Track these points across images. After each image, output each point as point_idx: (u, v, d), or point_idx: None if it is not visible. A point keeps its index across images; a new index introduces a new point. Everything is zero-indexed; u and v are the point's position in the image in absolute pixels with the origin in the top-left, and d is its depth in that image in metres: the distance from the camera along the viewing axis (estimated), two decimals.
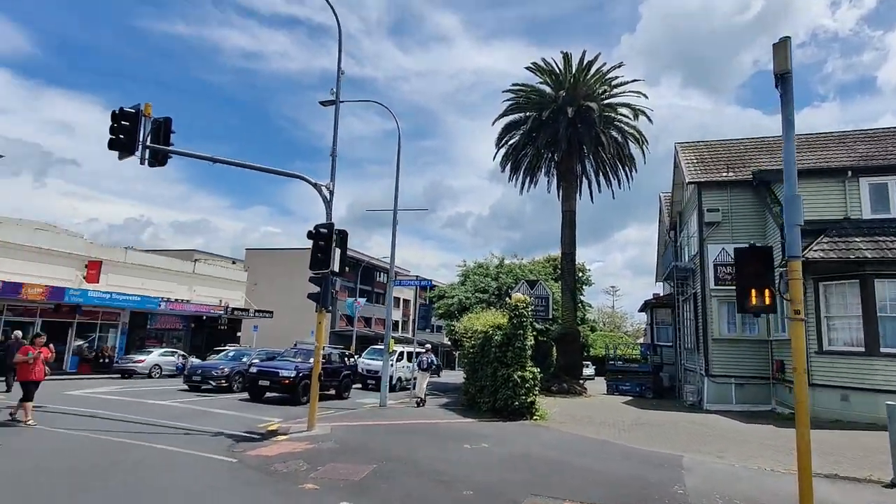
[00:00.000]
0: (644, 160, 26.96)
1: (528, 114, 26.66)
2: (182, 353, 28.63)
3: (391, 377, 23.97)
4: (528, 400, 13.29)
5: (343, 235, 12.52)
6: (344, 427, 12.15)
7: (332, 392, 19.34)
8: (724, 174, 19.37)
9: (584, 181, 28.80)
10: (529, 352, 13.93)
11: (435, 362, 21.63)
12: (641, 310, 31.49)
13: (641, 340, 42.06)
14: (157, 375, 25.48)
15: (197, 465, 8.31)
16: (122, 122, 11.39)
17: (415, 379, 26.84)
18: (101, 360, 27.48)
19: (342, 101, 16.26)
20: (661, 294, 30.61)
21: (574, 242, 26.94)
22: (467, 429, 12.08)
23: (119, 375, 25.05)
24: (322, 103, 16.60)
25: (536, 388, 13.67)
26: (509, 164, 28.38)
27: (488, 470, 8.18)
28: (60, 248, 26.80)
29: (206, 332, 35.52)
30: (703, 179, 19.36)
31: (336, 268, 12.08)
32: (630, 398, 22.85)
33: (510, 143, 28.03)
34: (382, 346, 27.14)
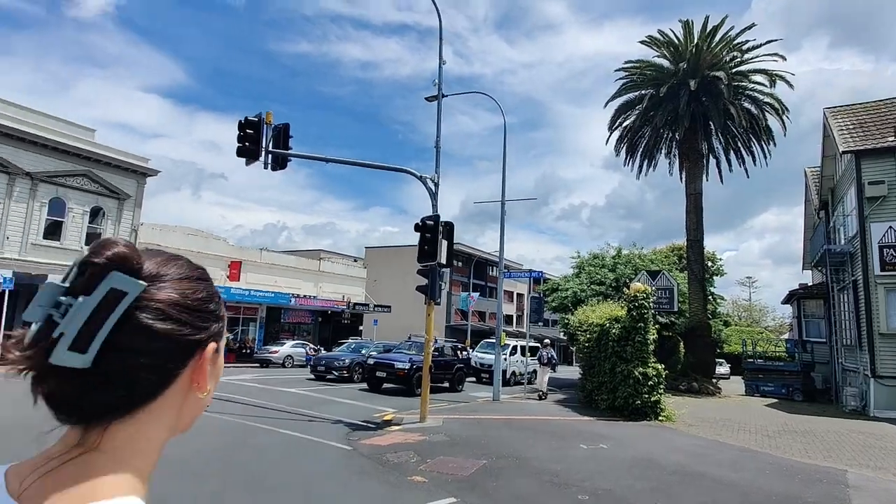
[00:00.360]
0: (784, 132, 23.76)
1: (643, 92, 24.76)
2: (311, 345, 30.76)
3: (504, 371, 23.70)
4: (652, 399, 12.22)
5: (449, 227, 12.41)
6: (456, 420, 12.07)
7: (446, 385, 19.49)
8: (890, 139, 16.34)
9: (711, 160, 26.20)
10: (652, 347, 12.81)
11: (555, 357, 21.13)
12: (786, 301, 27.89)
13: (786, 336, 37.37)
14: (290, 365, 27.60)
15: (315, 452, 8.65)
16: (248, 131, 12.25)
17: (530, 374, 26.37)
18: (244, 351, 30.48)
19: (446, 95, 16.25)
20: (811, 283, 26.88)
21: (701, 228, 24.58)
22: (583, 428, 11.38)
23: (258, 364, 27.53)
24: (427, 99, 16.66)
25: (661, 387, 12.53)
26: (624, 147, 26.63)
27: (606, 474, 7.52)
28: (208, 250, 30.07)
29: (332, 325, 37.92)
30: (862, 147, 16.52)
31: (443, 259, 12.01)
32: (774, 400, 20.30)
33: (624, 124, 26.27)
34: (493, 340, 27.03)
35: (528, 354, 26.16)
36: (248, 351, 30.25)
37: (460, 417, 12.53)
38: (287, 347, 28.55)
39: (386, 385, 17.76)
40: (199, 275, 0.69)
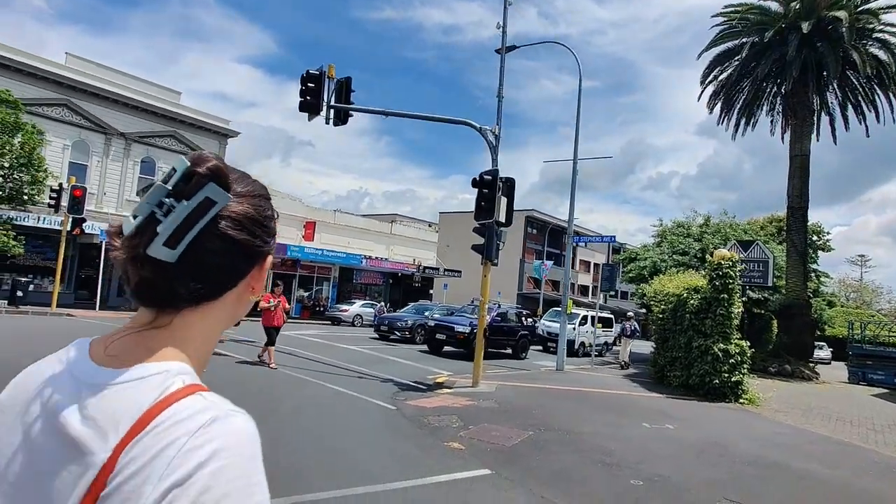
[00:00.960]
0: None
1: (745, 39, 21.90)
2: (381, 304, 31.22)
3: (572, 342, 22.70)
4: (733, 378, 10.88)
5: (510, 183, 11.55)
6: (510, 387, 11.47)
7: (509, 351, 18.89)
8: None
9: (823, 117, 22.95)
10: (736, 321, 11.39)
11: (638, 330, 20.20)
12: None
13: None
14: (359, 324, 28.17)
15: (357, 408, 8.40)
16: (309, 85, 11.99)
17: (600, 346, 25.14)
18: (318, 308, 31.53)
19: (516, 47, 15.12)
20: None
21: (806, 194, 21.76)
22: (650, 405, 10.36)
23: (329, 322, 28.36)
24: (497, 51, 15.61)
25: (745, 366, 11.13)
26: (720, 103, 23.95)
27: (667, 458, 6.62)
28: (285, 210, 31.02)
29: (402, 288, 38.32)
30: None
31: (502, 217, 11.22)
32: (884, 391, 17.87)
33: (720, 77, 23.52)
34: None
35: (600, 325, 24.98)
36: (322, 309, 31.24)
37: (516, 385, 11.91)
38: (357, 307, 29.11)
39: (446, 348, 17.46)
40: (267, 194, 0.77)
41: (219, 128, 27.47)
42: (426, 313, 20.69)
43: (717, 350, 10.92)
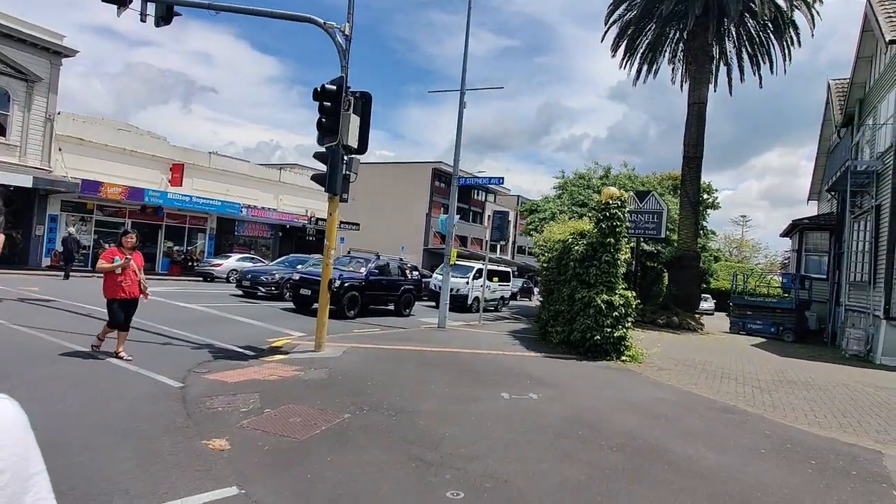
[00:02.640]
0: (812, 29, 19.83)
1: None
2: (260, 258, 28.03)
3: (465, 296, 21.22)
4: (615, 334, 9.57)
5: (365, 98, 9.21)
6: (362, 351, 9.45)
7: (391, 308, 16.97)
8: None
9: (722, 68, 22.46)
10: (622, 269, 10.03)
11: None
12: (786, 234, 25.17)
13: (779, 273, 35.02)
14: (234, 279, 25.00)
15: (122, 388, 5.98)
16: None
17: (496, 301, 23.96)
18: (190, 263, 27.75)
19: None
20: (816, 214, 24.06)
21: (701, 144, 21.28)
22: (521, 367, 8.76)
23: (200, 278, 24.93)
24: None
25: (629, 320, 9.86)
26: (623, 45, 22.69)
27: (514, 447, 4.87)
28: (145, 150, 26.53)
29: (294, 241, 35.11)
30: None
31: (352, 141, 8.89)
32: (762, 340, 18.01)
33: (624, 17, 22.17)
34: (459, 262, 24.34)
35: (496, 279, 23.70)
36: (195, 264, 27.54)
37: (371, 347, 9.90)
38: (232, 261, 25.79)
39: (316, 305, 15.13)
40: None
41: (48, 42, 22.27)
42: (299, 266, 18.10)
43: (599, 302, 9.51)
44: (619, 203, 9.73)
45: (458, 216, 45.72)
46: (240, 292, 17.96)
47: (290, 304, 15.81)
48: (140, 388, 6.08)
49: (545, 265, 12.37)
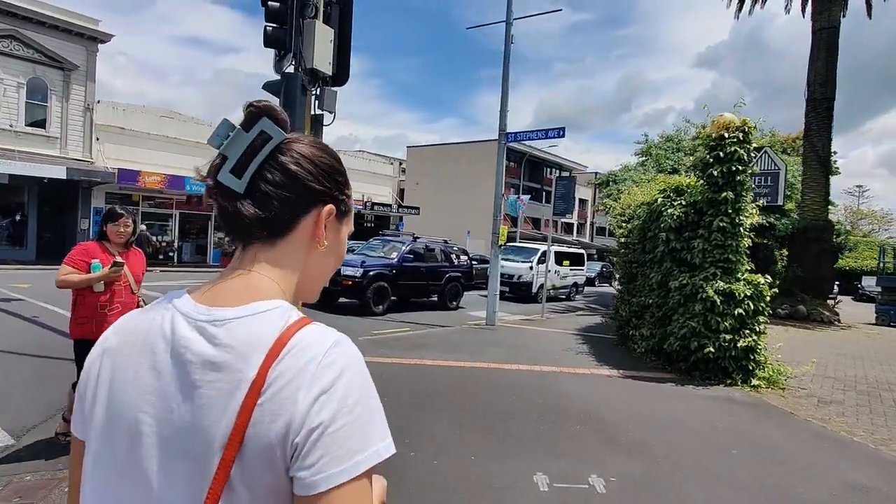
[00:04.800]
0: None
1: None
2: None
3: (530, 283, 17.94)
4: (740, 343, 5.99)
5: (342, 3, 6.29)
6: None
7: (434, 299, 14.15)
8: None
9: None
10: (747, 241, 6.41)
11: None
12: None
13: None
14: None
15: None
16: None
17: (568, 287, 20.42)
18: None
19: None
20: None
21: (833, 80, 16.44)
22: (584, 401, 5.47)
23: None
24: None
25: (761, 319, 6.24)
26: None
27: None
28: (188, 136, 25.42)
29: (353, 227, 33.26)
30: None
31: (320, 64, 6.00)
32: None
33: None
34: (520, 244, 21.02)
35: (567, 262, 20.17)
36: None
37: (372, 360, 7.00)
38: None
39: (343, 299, 12.60)
40: (330, 151, 0.81)
41: (83, 29, 21.37)
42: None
43: (711, 293, 6.00)
44: (740, 136, 6.13)
45: (530, 196, 42.11)
46: None
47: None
48: None
49: (624, 240, 8.91)
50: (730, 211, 6.16)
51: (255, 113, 0.73)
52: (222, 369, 0.66)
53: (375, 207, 32.49)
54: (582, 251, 21.66)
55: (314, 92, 6.24)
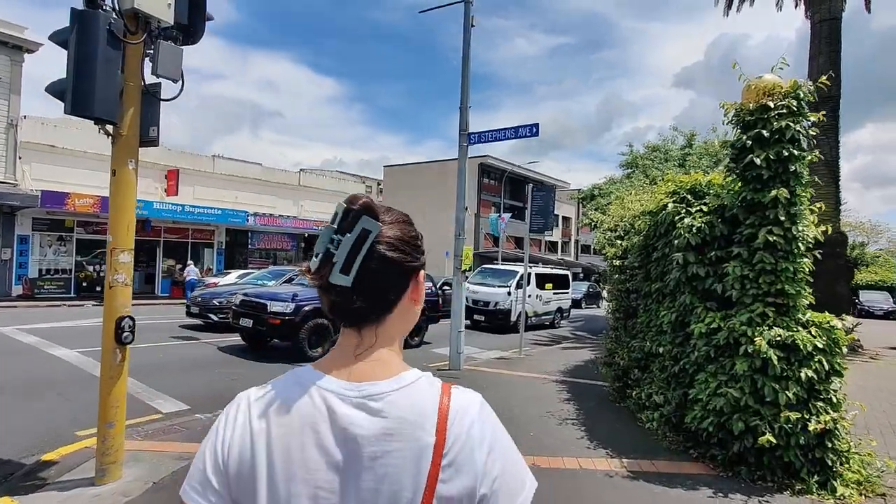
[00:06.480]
0: None
1: None
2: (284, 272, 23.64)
3: (507, 312, 15.76)
4: (814, 426, 3.82)
5: None
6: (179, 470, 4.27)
7: None
8: None
9: None
10: (806, 262, 4.29)
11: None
12: None
13: None
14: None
15: None
16: None
17: (552, 314, 18.23)
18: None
19: None
20: None
21: (838, 76, 14.75)
22: None
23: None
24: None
25: (838, 386, 4.05)
26: None
27: None
28: (141, 158, 23.02)
29: None
30: None
31: (140, 2, 3.83)
32: None
33: None
34: (497, 266, 18.88)
35: (550, 286, 18.01)
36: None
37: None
38: (232, 278, 21.63)
39: (276, 340, 10.24)
40: (408, 219, 0.90)
41: (5, 37, 19.09)
42: (270, 283, 13.32)
43: (763, 345, 3.85)
44: (793, 105, 4.07)
45: (511, 214, 40.10)
46: (196, 321, 13.37)
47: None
48: None
49: (618, 262, 6.76)
50: (782, 218, 4.05)
51: (357, 213, 0.80)
52: (401, 438, 0.76)
53: None
54: (567, 272, 19.55)
55: (149, 50, 4.07)
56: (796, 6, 16.68)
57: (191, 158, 25.71)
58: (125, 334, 4.02)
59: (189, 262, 21.98)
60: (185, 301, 16.50)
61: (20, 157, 19.45)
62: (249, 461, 0.76)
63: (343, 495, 0.74)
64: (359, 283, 0.77)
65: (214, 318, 12.24)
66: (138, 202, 15.86)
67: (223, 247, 26.69)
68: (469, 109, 9.43)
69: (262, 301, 9.58)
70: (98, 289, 21.45)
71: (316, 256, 0.80)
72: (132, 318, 4.08)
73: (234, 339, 11.09)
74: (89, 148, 21.44)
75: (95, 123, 3.89)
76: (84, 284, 21.23)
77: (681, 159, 20.54)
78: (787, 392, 3.84)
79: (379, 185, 56.86)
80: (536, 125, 8.55)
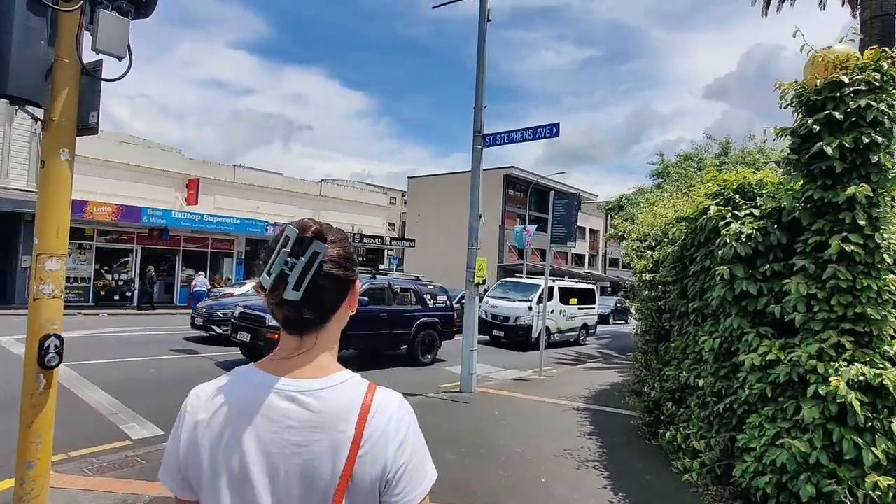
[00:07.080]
0: None
1: None
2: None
3: (528, 328, 14.87)
4: None
5: None
6: None
7: (404, 350, 11.15)
8: None
9: None
10: (891, 276, 3.39)
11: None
12: None
13: None
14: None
15: None
16: None
17: (578, 330, 17.23)
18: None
19: None
20: None
21: None
22: None
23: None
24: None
25: None
26: None
27: None
28: (156, 164, 23.09)
29: None
30: None
31: None
32: None
33: None
34: (519, 279, 17.98)
35: (574, 300, 17.02)
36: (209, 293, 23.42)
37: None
38: (248, 288, 21.27)
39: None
40: (346, 237, 1.03)
41: None
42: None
43: (842, 387, 2.97)
44: (875, 80, 3.20)
45: (536, 226, 39.09)
46: (204, 332, 12.88)
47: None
48: None
49: (648, 277, 5.89)
50: (861, 222, 3.17)
51: (309, 240, 0.92)
52: (325, 430, 0.89)
53: (365, 240, 29.75)
54: (592, 286, 18.52)
55: (84, 22, 3.46)
56: (843, 4, 15.51)
57: (212, 168, 25.66)
58: (49, 356, 3.36)
59: (199, 272, 21.66)
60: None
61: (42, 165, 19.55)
62: (195, 447, 0.92)
63: (272, 477, 0.88)
64: (308, 297, 0.91)
65: (218, 330, 11.71)
66: (156, 211, 15.40)
67: (243, 256, 26.46)
68: (484, 109, 8.70)
69: (260, 314, 8.98)
70: (116, 297, 21.41)
71: (269, 275, 0.92)
72: (59, 337, 3.42)
73: (235, 352, 10.50)
74: (110, 156, 21.57)
75: (12, 104, 3.27)
76: (102, 293, 21.16)
77: (717, 167, 19.39)
78: (873, 449, 2.93)
79: (403, 195, 56.55)
80: (556, 125, 7.76)
